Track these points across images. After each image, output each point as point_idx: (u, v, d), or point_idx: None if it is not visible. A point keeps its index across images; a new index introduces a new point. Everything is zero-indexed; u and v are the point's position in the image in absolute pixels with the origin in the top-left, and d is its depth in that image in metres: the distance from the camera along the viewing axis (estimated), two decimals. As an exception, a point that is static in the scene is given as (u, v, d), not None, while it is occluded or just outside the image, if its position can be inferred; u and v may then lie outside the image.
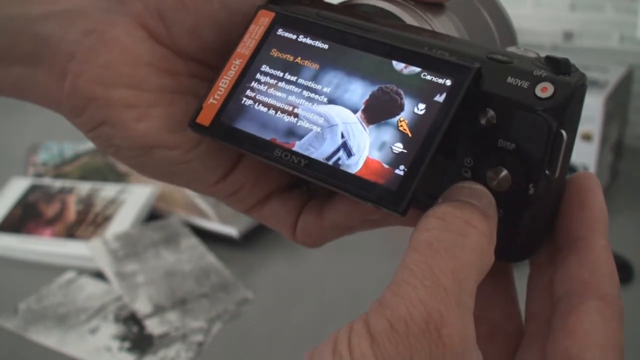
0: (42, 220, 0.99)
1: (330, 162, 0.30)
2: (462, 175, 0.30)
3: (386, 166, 0.29)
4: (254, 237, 0.95)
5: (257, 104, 0.32)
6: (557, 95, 0.27)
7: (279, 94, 0.32)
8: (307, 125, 0.31)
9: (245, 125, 0.32)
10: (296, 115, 0.31)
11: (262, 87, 0.33)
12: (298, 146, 0.31)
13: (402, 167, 0.28)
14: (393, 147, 0.29)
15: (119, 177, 1.08)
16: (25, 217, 1.00)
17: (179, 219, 0.98)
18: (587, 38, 1.16)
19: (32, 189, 1.06)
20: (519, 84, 0.28)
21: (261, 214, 0.37)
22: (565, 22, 1.17)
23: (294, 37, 0.33)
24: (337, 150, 0.30)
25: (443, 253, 0.26)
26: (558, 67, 0.28)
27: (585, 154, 0.97)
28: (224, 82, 0.33)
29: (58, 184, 1.06)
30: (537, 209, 0.29)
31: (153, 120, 0.34)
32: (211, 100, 0.33)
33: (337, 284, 0.87)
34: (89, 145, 1.18)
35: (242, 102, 0.33)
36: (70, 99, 0.34)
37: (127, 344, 0.79)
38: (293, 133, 0.31)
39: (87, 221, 0.98)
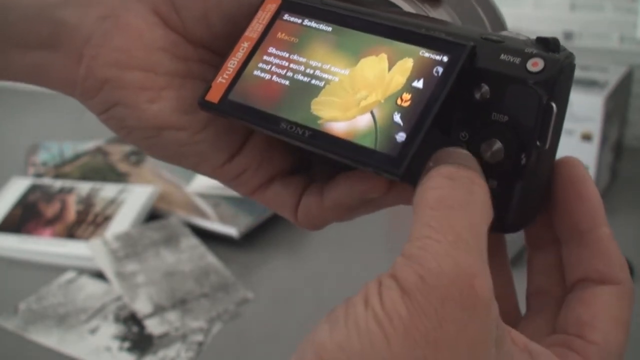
0: (42, 220, 0.99)
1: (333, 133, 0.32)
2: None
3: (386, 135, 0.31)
4: (254, 237, 0.95)
5: (263, 82, 0.34)
6: (547, 70, 0.29)
7: (284, 72, 0.34)
8: None
9: (252, 102, 0.34)
10: (301, 91, 0.33)
11: (269, 67, 0.34)
12: (303, 119, 0.32)
13: (401, 134, 0.30)
14: (393, 118, 0.31)
15: (119, 177, 1.08)
16: (25, 217, 1.00)
17: (179, 219, 0.98)
18: (587, 38, 1.16)
19: (32, 189, 1.06)
20: (511, 60, 0.30)
21: (264, 197, 0.38)
22: (565, 22, 1.17)
23: (299, 21, 0.35)
24: None
25: (458, 209, 0.27)
26: (548, 45, 0.30)
27: (585, 154, 0.97)
28: (232, 63, 0.35)
29: (58, 184, 1.06)
30: (530, 180, 0.31)
31: (165, 102, 0.35)
32: (220, 79, 0.35)
33: (337, 284, 0.86)
34: (89, 145, 1.18)
35: (250, 80, 0.35)
36: (85, 81, 0.35)
37: (127, 344, 0.79)
38: (298, 107, 0.33)
39: (87, 221, 0.98)
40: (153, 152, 0.37)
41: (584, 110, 0.95)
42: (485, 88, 0.30)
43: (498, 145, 0.30)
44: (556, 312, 0.31)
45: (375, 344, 0.24)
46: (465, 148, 0.31)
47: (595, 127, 0.96)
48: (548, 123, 0.29)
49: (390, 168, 0.30)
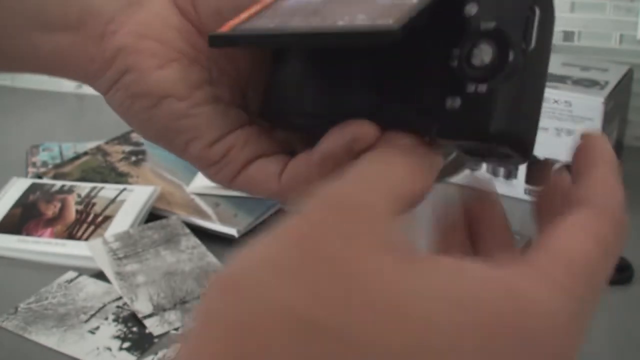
0: (42, 220, 0.99)
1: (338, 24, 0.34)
2: (449, 66, 0.33)
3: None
4: (254, 237, 0.95)
5: (276, 15, 0.36)
6: None
7: (294, 12, 0.36)
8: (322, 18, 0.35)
9: (261, 27, 0.36)
10: (312, 14, 0.35)
11: (279, 10, 0.36)
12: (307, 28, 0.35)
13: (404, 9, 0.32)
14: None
15: (119, 177, 1.08)
16: (25, 217, 1.00)
17: (179, 219, 0.98)
18: (587, 38, 1.16)
19: (32, 189, 1.06)
20: None
21: (246, 174, 0.39)
22: (565, 22, 1.17)
23: None
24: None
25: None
26: None
27: (585, 154, 0.96)
28: (244, 15, 0.37)
29: (58, 184, 1.06)
30: (516, 81, 0.32)
31: (172, 70, 0.38)
32: (230, 22, 0.37)
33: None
34: (88, 145, 1.18)
35: (263, 16, 0.36)
36: (104, 53, 0.38)
37: (127, 344, 0.79)
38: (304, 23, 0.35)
39: (87, 221, 0.98)
40: (148, 127, 0.39)
41: (584, 110, 0.95)
42: (472, 2, 0.33)
43: (487, 49, 0.32)
44: None
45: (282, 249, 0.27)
46: (456, 62, 0.33)
47: (595, 127, 0.96)
48: (532, 24, 0.32)
49: (389, 27, 0.31)
